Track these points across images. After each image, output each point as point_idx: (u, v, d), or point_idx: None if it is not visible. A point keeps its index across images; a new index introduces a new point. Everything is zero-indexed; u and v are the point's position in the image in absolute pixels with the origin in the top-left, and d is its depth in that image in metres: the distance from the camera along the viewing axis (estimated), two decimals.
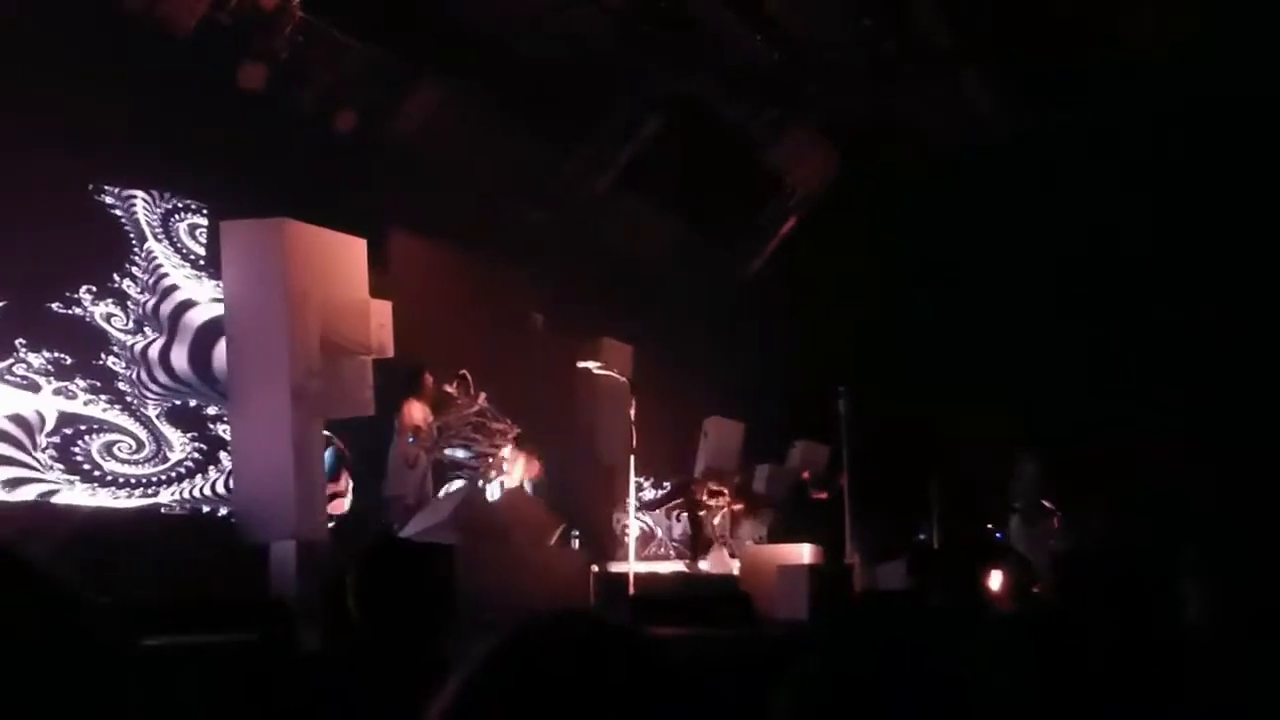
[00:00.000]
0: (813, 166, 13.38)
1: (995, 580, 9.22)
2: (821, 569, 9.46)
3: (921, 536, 10.63)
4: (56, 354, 8.37)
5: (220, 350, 9.08)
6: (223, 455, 9.15)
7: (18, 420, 8.11)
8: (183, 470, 9.09)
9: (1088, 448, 11.23)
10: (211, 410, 9.28)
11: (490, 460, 10.25)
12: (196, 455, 9.19)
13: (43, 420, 8.25)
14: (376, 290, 8.97)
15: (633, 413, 9.14)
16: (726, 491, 11.70)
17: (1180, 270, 12.21)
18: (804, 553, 10.09)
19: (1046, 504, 11.46)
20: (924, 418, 11.34)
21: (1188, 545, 1.92)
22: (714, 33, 11.53)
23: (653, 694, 0.84)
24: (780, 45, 11.82)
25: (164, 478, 8.97)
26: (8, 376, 8.09)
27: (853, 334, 12.67)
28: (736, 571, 10.52)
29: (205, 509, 9.12)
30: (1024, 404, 11.87)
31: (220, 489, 9.20)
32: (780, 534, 11.57)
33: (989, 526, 10.89)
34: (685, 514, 11.80)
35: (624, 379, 9.90)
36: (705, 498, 11.54)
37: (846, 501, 10.31)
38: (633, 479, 9.30)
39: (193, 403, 9.24)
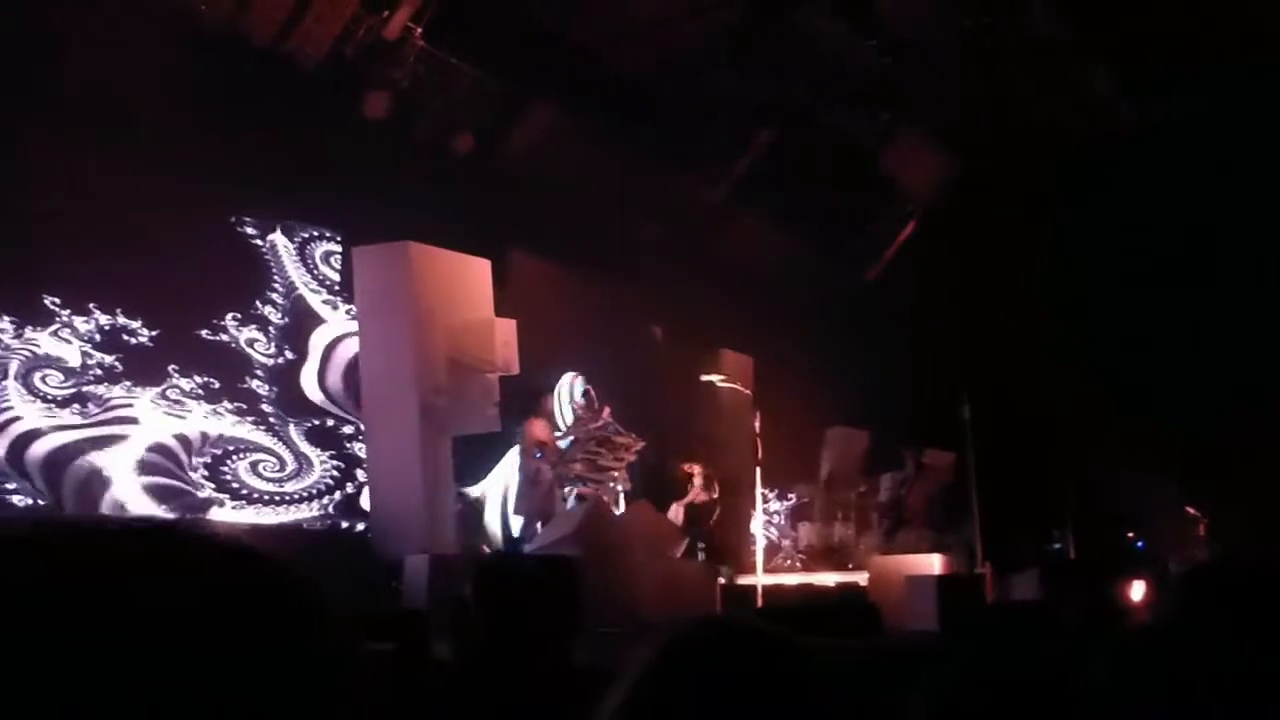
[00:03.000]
0: (926, 170, 13.13)
1: (1137, 591, 8.83)
2: (952, 579, 9.25)
3: (1056, 545, 10.28)
4: (206, 378, 8.83)
5: (354, 371, 9.44)
6: (358, 473, 9.50)
7: (173, 441, 8.59)
8: (322, 487, 9.46)
9: (1226, 451, 10.70)
10: (347, 429, 9.64)
11: (615, 474, 10.35)
12: (334, 473, 9.55)
13: (198, 440, 8.72)
14: (499, 308, 9.20)
15: (757, 425, 9.12)
16: (697, 473, 10.75)
17: None
18: (934, 563, 9.89)
19: (1191, 510, 10.95)
20: (1053, 421, 10.97)
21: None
22: (822, 39, 11.44)
23: (809, 700, 0.87)
24: (893, 49, 11.65)
25: (305, 495, 9.35)
26: (162, 400, 8.58)
27: (976, 337, 12.36)
28: (864, 581, 10.37)
29: (344, 524, 9.48)
30: (1155, 404, 11.39)
31: (356, 505, 9.55)
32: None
33: (1129, 535, 10.48)
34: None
35: (747, 391, 9.89)
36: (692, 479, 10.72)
37: (975, 510, 10.06)
38: (759, 491, 9.27)
39: (330, 422, 9.61)
